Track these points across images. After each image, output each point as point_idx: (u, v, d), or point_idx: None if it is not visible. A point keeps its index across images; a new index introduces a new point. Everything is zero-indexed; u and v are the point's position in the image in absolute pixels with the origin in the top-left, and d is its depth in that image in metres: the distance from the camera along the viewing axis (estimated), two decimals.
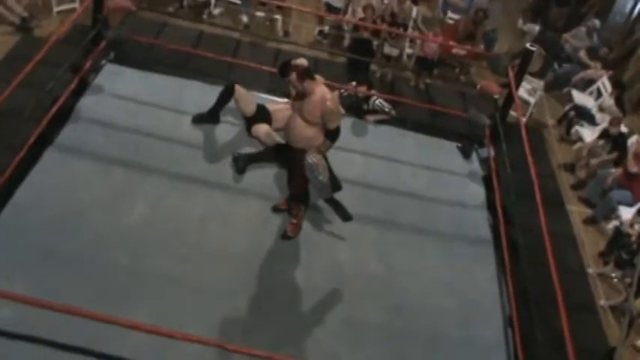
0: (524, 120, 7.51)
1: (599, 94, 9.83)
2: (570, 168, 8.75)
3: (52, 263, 5.49)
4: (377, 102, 8.14)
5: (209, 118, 7.22)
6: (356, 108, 8.09)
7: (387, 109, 8.14)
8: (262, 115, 6.69)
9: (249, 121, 6.81)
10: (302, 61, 5.74)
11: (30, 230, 5.73)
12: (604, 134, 8.74)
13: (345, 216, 6.07)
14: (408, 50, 10.37)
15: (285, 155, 6.03)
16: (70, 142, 6.71)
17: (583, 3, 12.16)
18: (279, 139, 6.62)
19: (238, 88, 6.76)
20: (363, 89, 8.14)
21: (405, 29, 9.85)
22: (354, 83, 8.19)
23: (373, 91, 8.18)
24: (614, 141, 8.58)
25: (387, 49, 9.84)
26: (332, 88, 5.83)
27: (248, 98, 6.80)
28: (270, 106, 6.73)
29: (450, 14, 11.12)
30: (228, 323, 5.41)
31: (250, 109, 6.73)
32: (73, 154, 6.59)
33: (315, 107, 5.39)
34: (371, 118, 8.22)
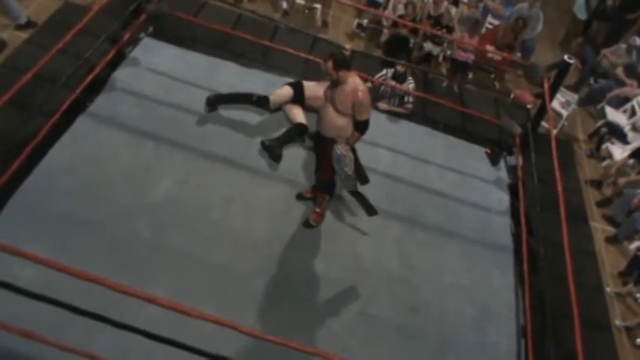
0: (555, 132, 7.44)
1: (633, 113, 9.72)
2: (597, 185, 8.68)
3: (76, 230, 5.56)
4: (410, 88, 8.04)
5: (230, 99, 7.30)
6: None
7: (410, 99, 8.07)
8: (296, 96, 6.91)
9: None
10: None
11: (56, 195, 5.80)
12: (635, 153, 8.65)
13: (370, 211, 6.04)
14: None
15: (316, 139, 6.03)
16: (103, 112, 6.75)
17: (625, 19, 11.97)
18: (302, 119, 7.01)
19: (273, 99, 7.08)
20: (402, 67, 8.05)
21: (441, 29, 9.79)
22: (389, 71, 8.13)
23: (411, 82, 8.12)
24: None
25: (429, 47, 9.83)
26: (365, 80, 5.81)
27: (285, 99, 7.10)
28: (305, 83, 7.15)
29: (489, 19, 11.02)
30: (242, 305, 5.45)
31: (288, 99, 6.99)
32: (104, 123, 6.63)
33: (346, 97, 5.40)
34: (384, 106, 8.15)
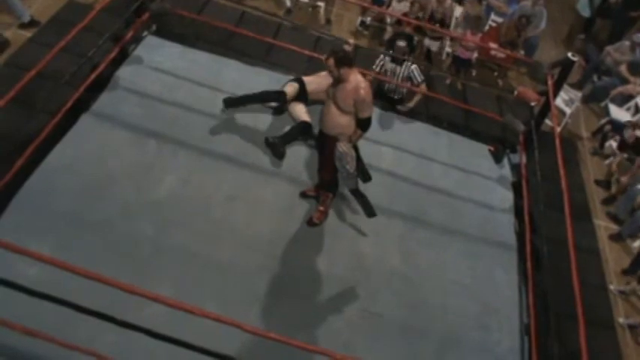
0: (558, 130, 7.42)
1: (636, 110, 9.71)
2: (606, 185, 8.66)
3: (79, 228, 5.57)
4: (412, 68, 7.93)
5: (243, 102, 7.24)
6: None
7: (419, 80, 7.98)
8: (299, 93, 6.92)
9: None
10: (347, 48, 5.81)
11: (59, 194, 5.81)
12: (621, 145, 8.66)
13: (369, 212, 6.03)
14: (447, 49, 10.34)
15: (318, 137, 6.04)
16: (106, 111, 6.75)
17: (628, 17, 11.93)
18: (306, 117, 6.98)
19: (288, 92, 7.08)
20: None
21: (443, 26, 9.77)
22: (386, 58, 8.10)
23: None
24: (634, 148, 8.53)
25: (427, 42, 9.82)
26: (364, 75, 5.81)
27: (295, 92, 7.14)
28: (305, 79, 7.18)
29: (492, 17, 11.01)
30: (245, 304, 5.45)
31: (296, 92, 7.00)
32: (107, 122, 6.63)
33: (348, 95, 5.39)
34: (410, 104, 8.14)
